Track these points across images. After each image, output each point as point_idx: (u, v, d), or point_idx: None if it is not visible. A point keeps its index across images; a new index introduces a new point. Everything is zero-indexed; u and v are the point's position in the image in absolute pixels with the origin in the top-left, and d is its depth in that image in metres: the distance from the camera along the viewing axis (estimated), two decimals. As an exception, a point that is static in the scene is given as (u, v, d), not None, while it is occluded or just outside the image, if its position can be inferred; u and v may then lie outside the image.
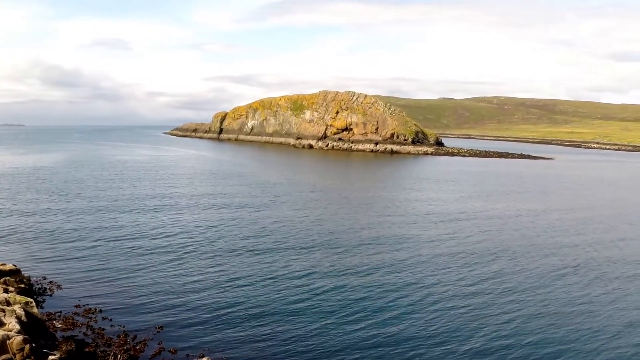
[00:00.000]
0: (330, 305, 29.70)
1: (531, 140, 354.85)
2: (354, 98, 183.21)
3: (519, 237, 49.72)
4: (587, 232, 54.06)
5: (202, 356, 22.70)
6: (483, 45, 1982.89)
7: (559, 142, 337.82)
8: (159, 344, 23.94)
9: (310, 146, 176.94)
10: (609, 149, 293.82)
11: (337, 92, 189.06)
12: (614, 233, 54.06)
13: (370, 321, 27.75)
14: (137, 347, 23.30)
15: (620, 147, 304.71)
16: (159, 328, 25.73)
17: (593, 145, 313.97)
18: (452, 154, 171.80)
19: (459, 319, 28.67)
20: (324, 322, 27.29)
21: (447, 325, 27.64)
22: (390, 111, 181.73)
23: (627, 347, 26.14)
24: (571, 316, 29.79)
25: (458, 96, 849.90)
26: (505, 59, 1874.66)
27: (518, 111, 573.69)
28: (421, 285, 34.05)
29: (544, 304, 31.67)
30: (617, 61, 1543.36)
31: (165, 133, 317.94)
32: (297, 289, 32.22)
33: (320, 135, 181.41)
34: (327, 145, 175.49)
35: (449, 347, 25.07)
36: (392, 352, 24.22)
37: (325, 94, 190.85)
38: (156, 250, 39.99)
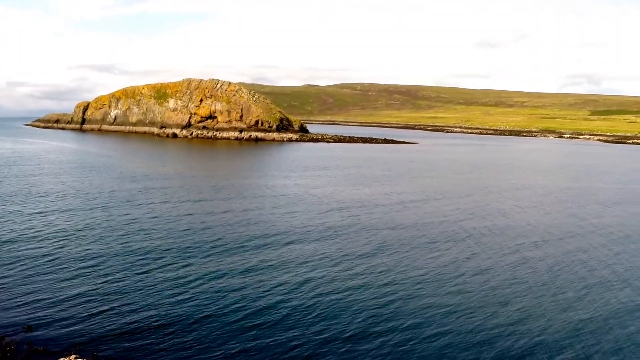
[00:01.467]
0: (207, 297, 29.28)
1: (395, 125, 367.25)
2: (218, 86, 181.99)
3: (390, 221, 50.91)
4: (455, 213, 56.39)
5: (72, 354, 21.71)
6: (347, 31, 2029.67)
7: (422, 127, 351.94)
8: (27, 344, 22.74)
9: (175, 135, 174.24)
10: (471, 132, 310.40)
11: (201, 80, 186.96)
12: (483, 214, 56.80)
13: (247, 311, 27.53)
14: (7, 349, 22.04)
15: (481, 130, 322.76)
16: (26, 328, 24.43)
17: (455, 129, 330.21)
18: (317, 140, 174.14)
19: (336, 305, 28.86)
20: (201, 315, 26.87)
21: (326, 312, 27.79)
22: (254, 98, 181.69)
23: (504, 327, 27.17)
24: (447, 297, 30.64)
25: (322, 83, 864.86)
26: (370, 45, 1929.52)
27: (382, 97, 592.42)
28: (296, 273, 34.11)
29: (419, 287, 32.37)
30: (479, 48, 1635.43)
31: (27, 125, 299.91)
32: (172, 282, 31.48)
33: (184, 124, 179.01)
34: (191, 134, 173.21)
35: (329, 334, 25.23)
36: (272, 343, 24.15)
37: (189, 82, 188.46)
38: (25, 247, 37.84)
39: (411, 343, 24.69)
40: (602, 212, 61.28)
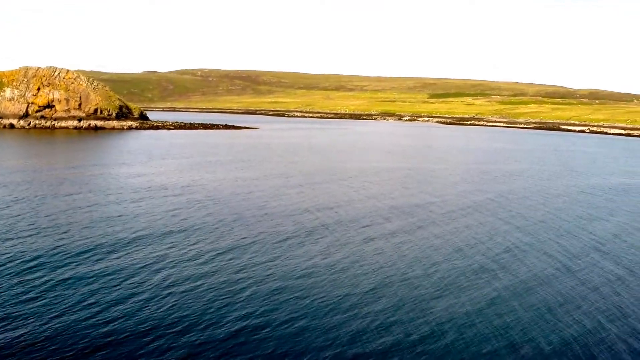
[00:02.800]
0: (57, 296, 28.33)
1: (236, 111, 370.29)
2: (56, 73, 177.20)
3: (238, 207, 51.86)
4: (301, 197, 58.25)
5: None
6: (186, 17, 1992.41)
7: (263, 112, 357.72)
8: None
9: (12, 126, 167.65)
10: (312, 117, 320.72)
11: (39, 67, 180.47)
12: (328, 197, 59.16)
13: (98, 308, 26.92)
14: None
15: (322, 115, 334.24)
16: None
17: (296, 114, 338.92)
18: (157, 128, 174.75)
19: (188, 296, 29.05)
20: (56, 314, 25.74)
21: (178, 304, 27.92)
22: (93, 86, 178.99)
23: (357, 308, 28.74)
24: (298, 281, 31.78)
25: (163, 69, 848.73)
26: (211, 30, 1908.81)
27: (222, 83, 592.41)
28: (148, 266, 33.76)
29: (270, 272, 33.42)
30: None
31: None
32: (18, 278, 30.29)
33: (21, 113, 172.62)
34: (29, 124, 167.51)
35: (184, 325, 25.37)
36: (128, 336, 23.86)
37: (27, 70, 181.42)
38: None
39: (266, 330, 25.18)
40: (444, 191, 66.05)
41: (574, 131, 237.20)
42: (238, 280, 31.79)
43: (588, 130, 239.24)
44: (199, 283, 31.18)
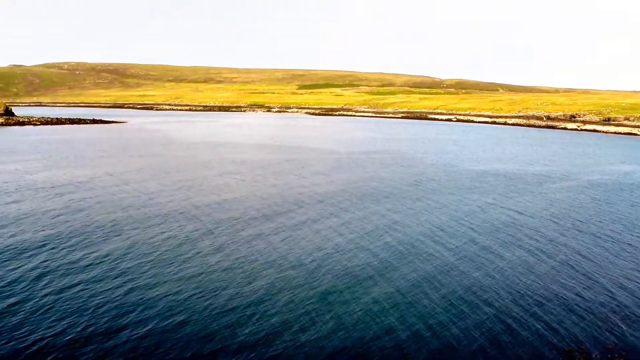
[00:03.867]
0: None
1: (104, 105, 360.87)
2: None
3: (115, 203, 50.75)
4: (181, 191, 57.54)
5: None
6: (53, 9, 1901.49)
7: (131, 105, 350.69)
8: None
9: None
10: (180, 109, 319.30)
11: None
12: (206, 191, 58.77)
13: None
14: None
15: (191, 107, 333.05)
16: None
17: (165, 107, 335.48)
18: (23, 124, 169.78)
19: (76, 302, 28.46)
20: None
21: (64, 310, 27.33)
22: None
23: (252, 306, 28.92)
24: (188, 282, 31.84)
25: (28, 62, 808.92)
26: (79, 22, 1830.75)
27: (90, 76, 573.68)
28: (23, 266, 32.81)
29: (154, 273, 33.17)
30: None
31: None
32: None
33: None
34: None
35: (75, 332, 24.93)
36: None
37: None
38: None
39: (157, 334, 24.96)
40: (320, 180, 67.34)
41: (441, 120, 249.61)
42: (122, 283, 31.39)
43: (455, 119, 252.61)
44: (81, 288, 30.52)
